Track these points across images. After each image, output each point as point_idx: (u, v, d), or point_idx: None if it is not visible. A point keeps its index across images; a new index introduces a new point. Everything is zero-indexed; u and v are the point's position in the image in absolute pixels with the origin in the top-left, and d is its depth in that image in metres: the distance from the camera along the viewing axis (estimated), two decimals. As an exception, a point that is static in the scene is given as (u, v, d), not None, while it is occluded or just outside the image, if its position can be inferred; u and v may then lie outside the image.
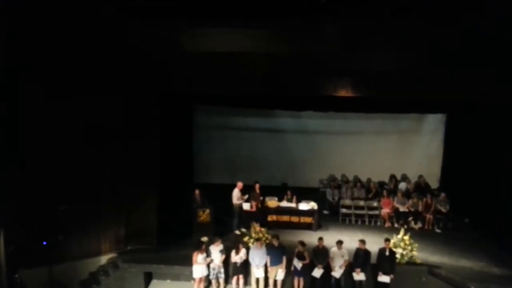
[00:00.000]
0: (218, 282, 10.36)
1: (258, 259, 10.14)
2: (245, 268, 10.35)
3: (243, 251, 10.28)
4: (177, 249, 10.19)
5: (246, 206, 12.64)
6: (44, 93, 9.79)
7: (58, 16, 9.52)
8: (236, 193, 12.53)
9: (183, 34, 10.45)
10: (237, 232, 12.10)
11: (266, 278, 10.34)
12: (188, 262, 10.10)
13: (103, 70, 10.39)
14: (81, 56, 10.01)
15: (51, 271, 9.77)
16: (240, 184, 12.66)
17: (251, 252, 10.25)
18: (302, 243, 10.33)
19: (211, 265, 10.19)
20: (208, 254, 10.14)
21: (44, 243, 9.63)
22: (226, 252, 10.31)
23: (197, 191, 12.40)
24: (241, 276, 10.40)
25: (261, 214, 12.73)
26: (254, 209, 12.74)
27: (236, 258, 10.24)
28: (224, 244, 10.42)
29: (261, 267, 10.16)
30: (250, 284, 10.46)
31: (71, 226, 10.12)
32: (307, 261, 10.14)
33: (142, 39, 10.45)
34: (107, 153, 10.73)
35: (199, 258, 9.95)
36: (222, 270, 10.28)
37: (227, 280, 10.50)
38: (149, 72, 10.92)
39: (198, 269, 10.01)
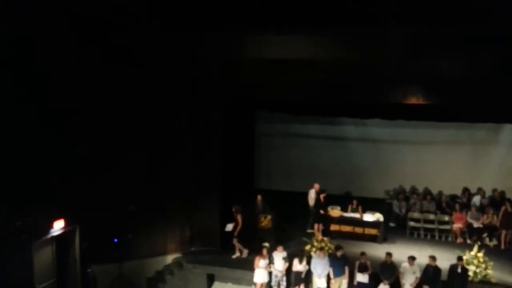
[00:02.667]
0: None
1: (320, 269, 9.96)
2: (307, 277, 10.19)
3: (305, 261, 10.13)
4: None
5: (229, 227, 11.15)
6: (116, 105, 10.46)
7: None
8: (312, 194, 12.74)
9: (247, 41, 10.58)
10: (309, 230, 11.88)
11: (328, 289, 10.14)
12: (250, 267, 10.17)
13: (168, 80, 10.84)
14: (145, 67, 10.52)
15: (120, 268, 10.26)
16: (317, 186, 12.66)
17: (313, 261, 10.08)
18: (363, 253, 10.02)
19: (273, 272, 10.16)
20: (271, 261, 10.12)
21: (115, 240, 10.13)
22: (289, 260, 10.22)
23: (259, 197, 12.48)
24: (302, 286, 10.24)
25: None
26: (236, 230, 11.21)
27: (299, 267, 10.10)
28: (287, 251, 10.34)
29: (323, 277, 9.96)
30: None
31: (140, 226, 10.60)
32: (370, 271, 9.80)
33: (205, 47, 10.72)
34: (173, 159, 11.17)
35: (260, 263, 9.97)
36: (284, 278, 10.20)
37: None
38: (212, 79, 11.19)
39: (260, 274, 10.02)
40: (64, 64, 9.54)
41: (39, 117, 9.14)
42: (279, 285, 10.21)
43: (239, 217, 11.01)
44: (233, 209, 11.01)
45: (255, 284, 10.17)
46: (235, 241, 11.19)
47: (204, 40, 10.66)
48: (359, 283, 9.85)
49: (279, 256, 10.15)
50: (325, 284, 10.01)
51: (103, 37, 9.82)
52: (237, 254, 11.26)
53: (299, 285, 10.23)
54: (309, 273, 10.18)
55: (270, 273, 10.14)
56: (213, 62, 11.00)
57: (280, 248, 10.26)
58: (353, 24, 9.73)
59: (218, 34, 10.50)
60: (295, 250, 10.51)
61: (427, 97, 10.91)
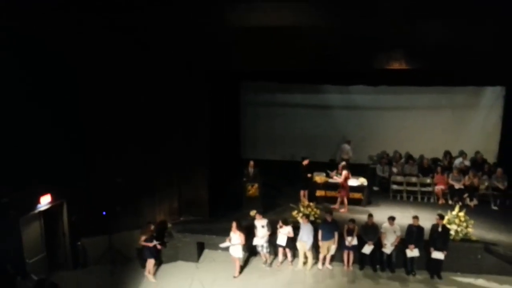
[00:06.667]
0: (265, 256, 10.53)
1: (305, 235, 10.17)
2: (292, 241, 10.41)
3: (289, 227, 10.27)
4: (227, 221, 10.36)
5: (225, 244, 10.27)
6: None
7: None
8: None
9: (229, 9, 10.40)
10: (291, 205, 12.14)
11: (315, 252, 10.43)
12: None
13: (151, 53, 10.62)
14: (128, 51, 10.34)
15: (110, 239, 10.33)
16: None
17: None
18: (353, 221, 10.28)
19: (255, 240, 10.31)
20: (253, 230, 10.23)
21: (104, 213, 10.16)
22: (272, 226, 10.39)
23: (251, 163, 12.53)
24: (287, 250, 10.50)
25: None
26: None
27: (283, 232, 10.24)
28: (272, 218, 10.50)
29: (309, 243, 10.17)
30: (298, 257, 10.57)
31: (128, 198, 10.61)
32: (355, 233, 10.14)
33: (187, 17, 10.48)
34: (160, 131, 11.09)
35: (232, 239, 10.00)
36: (266, 244, 10.36)
37: (275, 253, 10.71)
38: (196, 50, 10.96)
39: (231, 249, 10.09)
40: (55, 47, 9.47)
41: (26, 94, 8.99)
42: (263, 251, 10.43)
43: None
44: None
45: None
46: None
47: (185, 10, 10.41)
48: (349, 246, 10.17)
49: (259, 224, 10.29)
50: (309, 249, 10.25)
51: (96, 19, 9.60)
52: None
53: (284, 250, 10.48)
54: (295, 237, 10.37)
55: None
56: (195, 32, 10.77)
57: (259, 216, 10.37)
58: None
59: (199, 3, 10.29)
60: (280, 217, 10.65)
61: (410, 62, 10.92)
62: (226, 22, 10.45)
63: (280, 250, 10.55)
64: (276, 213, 11.87)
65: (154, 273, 10.25)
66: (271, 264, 10.64)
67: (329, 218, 10.25)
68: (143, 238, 10.01)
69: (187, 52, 10.95)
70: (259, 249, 10.50)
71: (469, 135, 15.23)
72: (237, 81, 16.09)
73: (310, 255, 10.41)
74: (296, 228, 10.40)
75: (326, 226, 10.21)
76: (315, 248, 10.38)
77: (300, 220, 10.51)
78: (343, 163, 13.07)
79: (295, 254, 10.68)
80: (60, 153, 9.77)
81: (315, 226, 10.33)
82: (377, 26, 10.29)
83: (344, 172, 12.44)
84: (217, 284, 9.92)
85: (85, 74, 10.24)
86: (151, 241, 10.03)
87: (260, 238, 10.33)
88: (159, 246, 10.22)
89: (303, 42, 10.68)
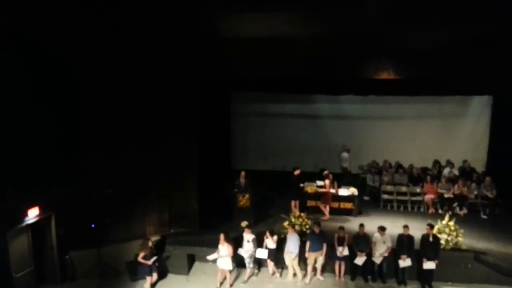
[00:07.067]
0: (251, 269, 10.43)
1: (291, 245, 10.11)
2: (276, 254, 10.29)
3: (275, 238, 10.20)
4: (218, 232, 10.27)
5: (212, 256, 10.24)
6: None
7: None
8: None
9: (219, 19, 10.44)
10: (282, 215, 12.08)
11: (303, 264, 10.35)
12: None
13: (142, 59, 10.58)
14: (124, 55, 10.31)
15: (99, 253, 10.17)
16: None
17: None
18: (342, 228, 10.27)
19: (240, 250, 10.19)
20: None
21: (92, 226, 10.01)
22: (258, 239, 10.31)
23: (242, 173, 12.49)
24: (272, 264, 10.38)
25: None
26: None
27: (270, 244, 10.17)
28: (263, 229, 10.42)
29: (295, 253, 10.09)
30: (287, 269, 10.49)
31: (117, 211, 10.50)
32: (346, 243, 10.09)
33: (179, 26, 10.51)
34: (150, 142, 11.02)
35: (220, 251, 9.92)
36: (248, 260, 10.25)
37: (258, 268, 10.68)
38: (186, 59, 10.97)
39: (219, 261, 9.99)
40: (55, 47, 9.49)
41: (15, 105, 8.89)
42: (249, 265, 10.35)
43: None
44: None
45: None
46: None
47: (177, 19, 10.43)
48: (340, 257, 10.12)
49: (245, 238, 10.20)
50: (295, 259, 10.16)
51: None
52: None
53: (270, 261, 10.34)
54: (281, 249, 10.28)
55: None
56: (186, 41, 10.79)
57: (248, 230, 10.27)
58: (326, 0, 9.73)
59: (191, 13, 10.31)
60: (268, 229, 10.57)
61: (398, 71, 11.08)
62: (218, 32, 10.53)
63: (269, 261, 10.42)
64: (267, 224, 11.82)
65: None
66: (250, 277, 10.47)
67: (316, 230, 10.17)
68: (141, 255, 9.80)
69: (178, 59, 10.95)
70: (246, 261, 10.38)
71: (457, 144, 15.38)
72: (228, 90, 16.10)
73: (296, 266, 10.29)
74: (283, 240, 10.34)
75: (314, 237, 10.14)
76: (303, 260, 10.30)
77: (287, 229, 10.46)
78: (326, 172, 13.08)
79: (283, 267, 10.57)
80: (46, 165, 9.64)
81: (305, 237, 10.30)
82: (365, 36, 10.41)
83: (326, 181, 12.49)
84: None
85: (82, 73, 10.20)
86: (150, 258, 9.83)
87: (245, 252, 10.22)
88: (157, 264, 10.05)
89: (291, 51, 10.77)
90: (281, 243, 10.35)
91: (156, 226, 11.45)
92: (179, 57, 10.92)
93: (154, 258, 9.89)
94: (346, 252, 10.09)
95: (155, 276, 10.04)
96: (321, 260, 10.15)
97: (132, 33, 10.12)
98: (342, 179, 14.09)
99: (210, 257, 10.08)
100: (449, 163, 14.63)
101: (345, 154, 15.45)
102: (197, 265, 11.07)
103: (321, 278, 10.40)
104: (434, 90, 13.67)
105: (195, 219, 11.67)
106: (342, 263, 10.24)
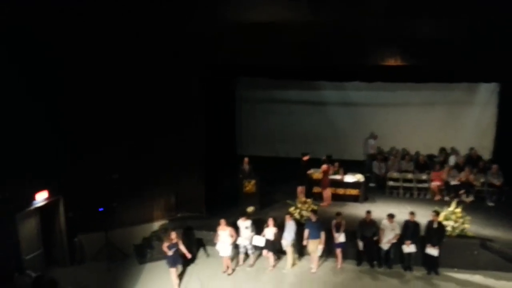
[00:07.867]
0: (247, 257, 10.43)
1: (287, 233, 10.05)
2: (272, 244, 10.16)
3: (274, 229, 10.06)
4: (224, 217, 10.37)
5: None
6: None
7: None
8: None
9: (224, 5, 10.35)
10: (288, 201, 12.09)
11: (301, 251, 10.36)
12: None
13: (148, 49, 10.58)
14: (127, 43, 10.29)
15: (107, 236, 10.28)
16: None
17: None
18: (339, 214, 10.24)
19: (238, 241, 10.14)
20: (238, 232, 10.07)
21: (101, 209, 10.09)
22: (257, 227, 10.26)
23: (246, 159, 12.54)
24: (270, 253, 10.21)
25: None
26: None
27: (269, 233, 10.09)
28: (270, 214, 10.44)
29: (289, 240, 10.05)
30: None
31: (126, 195, 10.59)
32: (343, 229, 10.04)
33: (183, 13, 10.43)
34: (156, 128, 11.05)
35: (221, 236, 9.85)
36: (249, 246, 10.22)
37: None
38: (191, 46, 10.93)
39: (220, 247, 9.97)
40: (50, 41, 9.43)
41: (24, 90, 8.97)
42: (247, 252, 10.35)
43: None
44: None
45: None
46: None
47: (181, 6, 10.37)
48: (337, 243, 10.12)
49: (242, 225, 10.16)
50: (288, 246, 10.13)
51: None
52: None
53: (268, 250, 10.20)
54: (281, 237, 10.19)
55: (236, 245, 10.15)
56: (190, 28, 10.73)
57: (243, 217, 10.20)
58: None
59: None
60: (279, 214, 10.58)
61: (405, 58, 10.97)
62: (223, 17, 10.46)
63: (266, 253, 10.22)
64: (273, 209, 11.90)
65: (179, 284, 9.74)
66: (253, 265, 10.48)
67: (313, 218, 10.08)
68: (165, 245, 9.52)
69: (182, 47, 10.92)
70: (241, 249, 10.33)
71: (464, 132, 15.31)
72: (233, 77, 16.04)
73: (290, 252, 10.21)
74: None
75: (311, 225, 10.05)
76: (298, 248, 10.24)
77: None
78: (323, 157, 13.02)
79: (279, 256, 10.51)
80: (55, 149, 9.72)
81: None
82: (372, 22, 10.33)
83: (324, 166, 12.50)
84: (215, 279, 9.91)
85: (77, 69, 10.15)
86: (172, 249, 9.50)
87: (244, 239, 10.17)
88: (188, 255, 9.84)
89: (297, 37, 10.69)
90: (281, 234, 10.19)
91: (163, 210, 11.57)
92: (185, 44, 10.89)
93: (174, 249, 9.50)
94: (342, 238, 10.07)
95: (179, 268, 9.87)
96: (320, 248, 10.06)
97: (128, 25, 10.10)
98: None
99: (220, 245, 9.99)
100: (454, 151, 14.58)
101: (371, 141, 15.40)
102: (204, 248, 11.14)
103: (313, 268, 10.22)
104: (440, 77, 13.56)
105: (201, 204, 11.76)
106: (339, 250, 10.20)
